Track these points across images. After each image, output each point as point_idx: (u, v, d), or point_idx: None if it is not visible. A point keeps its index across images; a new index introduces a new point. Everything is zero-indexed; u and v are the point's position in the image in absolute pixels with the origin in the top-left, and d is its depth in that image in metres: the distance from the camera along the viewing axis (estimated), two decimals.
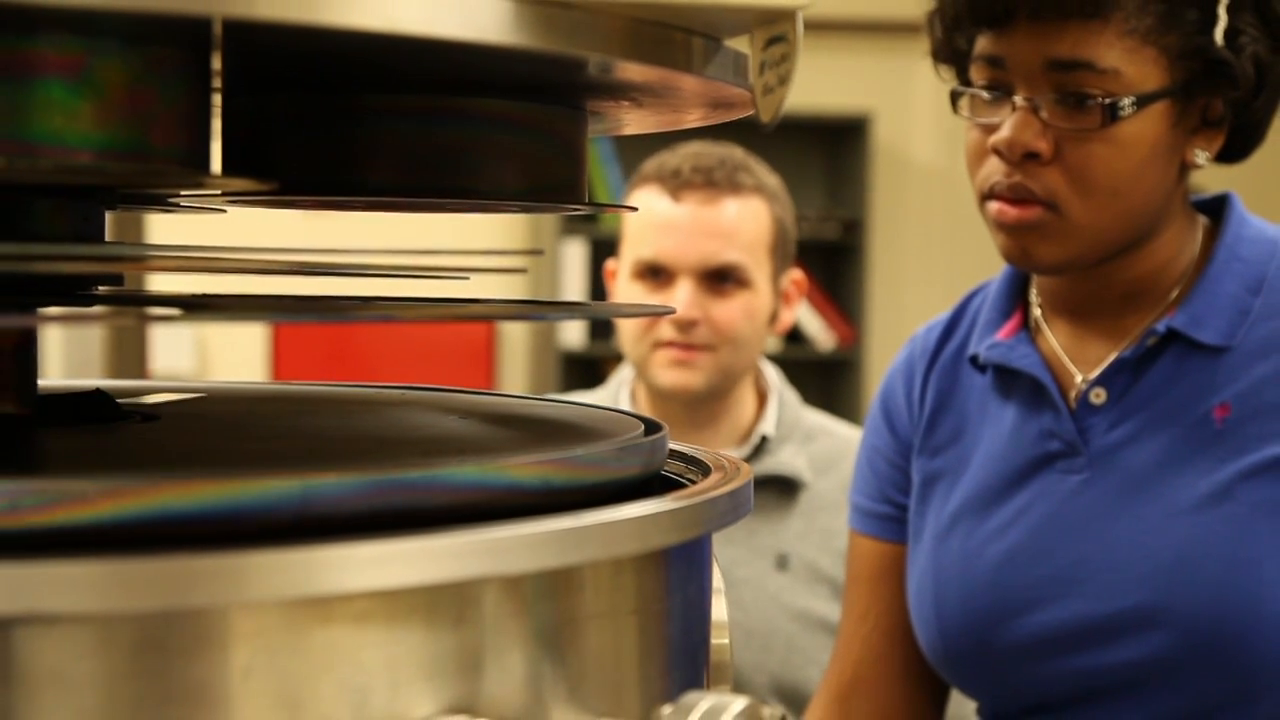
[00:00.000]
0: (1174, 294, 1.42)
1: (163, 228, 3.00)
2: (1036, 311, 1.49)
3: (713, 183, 2.08)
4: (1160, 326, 1.38)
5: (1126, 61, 1.31)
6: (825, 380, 5.56)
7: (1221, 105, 1.36)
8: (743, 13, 0.68)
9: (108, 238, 0.81)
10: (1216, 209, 1.47)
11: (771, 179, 2.14)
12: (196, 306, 0.72)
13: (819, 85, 5.17)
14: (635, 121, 0.88)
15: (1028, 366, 1.43)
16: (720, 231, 2.07)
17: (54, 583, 0.52)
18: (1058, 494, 1.41)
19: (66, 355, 3.47)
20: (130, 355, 3.31)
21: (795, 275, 2.19)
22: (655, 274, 2.09)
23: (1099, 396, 1.41)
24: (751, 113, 0.75)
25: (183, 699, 0.55)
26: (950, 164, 5.76)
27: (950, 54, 1.43)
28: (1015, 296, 1.50)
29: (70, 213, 0.75)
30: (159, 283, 2.72)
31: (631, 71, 0.70)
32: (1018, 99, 1.33)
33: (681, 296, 2.05)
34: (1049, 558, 1.40)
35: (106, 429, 0.81)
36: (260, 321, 0.65)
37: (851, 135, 5.64)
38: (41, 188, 0.73)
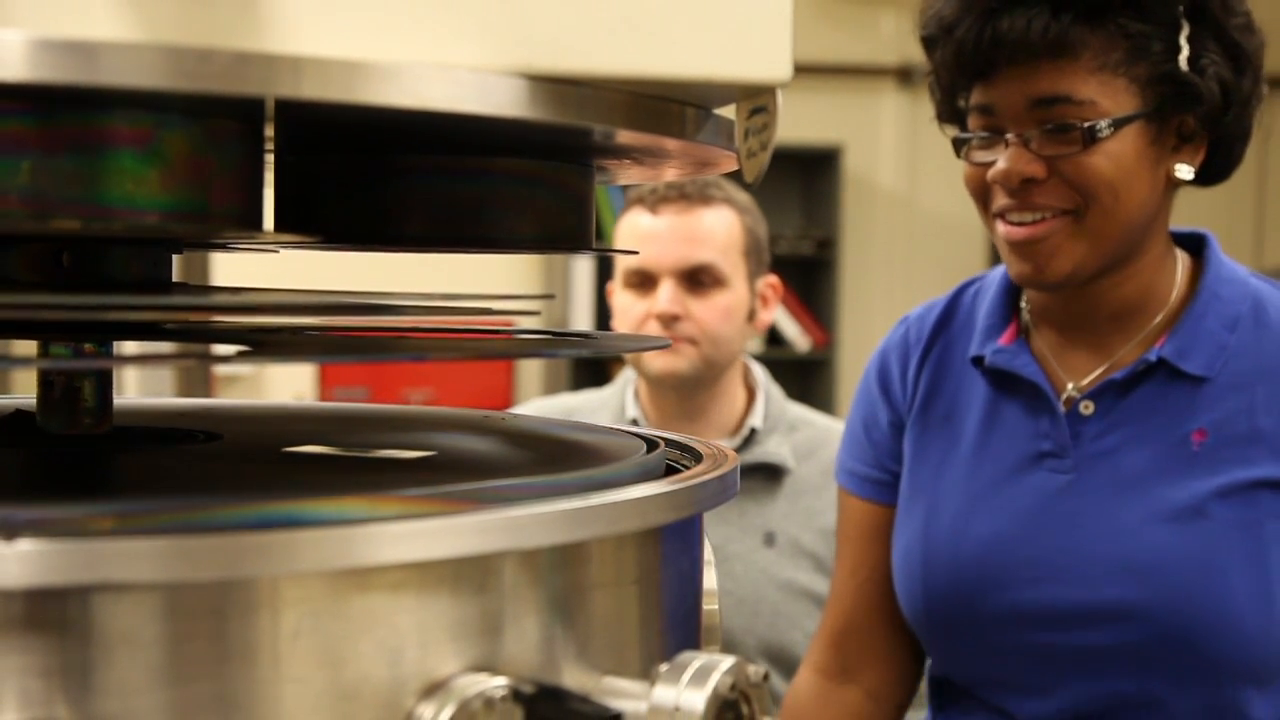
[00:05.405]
0: (1156, 320, 1.40)
1: (226, 262, 3.02)
2: (1026, 318, 1.47)
3: (686, 196, 2.08)
4: (1152, 355, 1.37)
5: (1100, 93, 1.30)
6: (802, 378, 5.56)
7: (1194, 122, 1.34)
8: (729, 88, 0.68)
9: (175, 276, 0.80)
10: (1191, 246, 1.45)
11: (741, 194, 2.14)
12: (255, 344, 0.70)
13: (796, 120, 5.14)
14: (635, 175, 0.88)
15: (1031, 375, 1.42)
16: (695, 236, 2.07)
17: (126, 555, 0.52)
18: (1046, 489, 1.40)
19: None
20: (197, 367, 3.30)
21: (771, 280, 2.19)
22: (642, 280, 2.10)
23: (1088, 408, 1.40)
24: (735, 169, 0.75)
25: (238, 657, 0.55)
26: (910, 189, 5.76)
27: (952, 113, 1.43)
28: (1011, 304, 1.49)
29: (142, 260, 0.74)
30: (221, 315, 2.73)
31: (631, 138, 0.70)
32: (1009, 136, 1.33)
33: (664, 295, 2.06)
34: (1034, 544, 1.38)
35: (185, 447, 0.80)
36: (309, 362, 0.65)
37: (825, 164, 5.62)
38: (117, 239, 0.72)
